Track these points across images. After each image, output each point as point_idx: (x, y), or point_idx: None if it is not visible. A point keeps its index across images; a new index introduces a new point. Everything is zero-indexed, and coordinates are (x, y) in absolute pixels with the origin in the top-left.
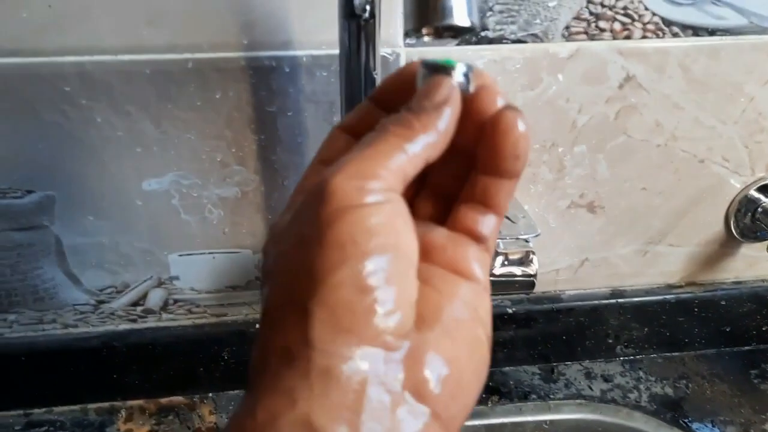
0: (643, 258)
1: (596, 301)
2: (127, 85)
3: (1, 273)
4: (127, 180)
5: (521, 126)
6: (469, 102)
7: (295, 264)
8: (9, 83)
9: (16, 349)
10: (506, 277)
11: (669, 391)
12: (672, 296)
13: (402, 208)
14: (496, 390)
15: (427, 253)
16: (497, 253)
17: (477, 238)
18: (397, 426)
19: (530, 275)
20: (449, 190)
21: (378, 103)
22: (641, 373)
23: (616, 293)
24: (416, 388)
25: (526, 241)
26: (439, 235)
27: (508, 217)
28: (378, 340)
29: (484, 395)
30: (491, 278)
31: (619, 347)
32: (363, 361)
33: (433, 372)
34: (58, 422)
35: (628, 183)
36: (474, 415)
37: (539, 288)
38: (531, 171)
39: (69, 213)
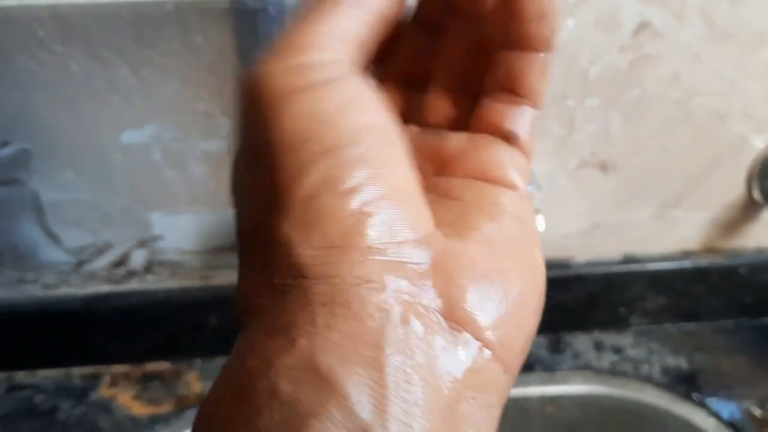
0: (658, 222)
1: (608, 268)
2: (103, 29)
3: None
4: (105, 132)
5: None
6: None
7: (254, 184)
8: None
9: None
10: None
11: (683, 363)
12: (689, 263)
13: (359, 81)
14: None
15: (442, 166)
16: None
17: (506, 136)
18: (434, 362)
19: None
20: (467, 80)
21: None
22: (654, 345)
23: (629, 260)
24: (452, 311)
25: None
26: (457, 140)
27: None
28: (386, 251)
29: None
30: None
31: (631, 317)
32: (373, 280)
33: (475, 289)
34: (40, 386)
35: (643, 141)
36: None
37: (546, 253)
38: (539, 126)
39: (46, 167)
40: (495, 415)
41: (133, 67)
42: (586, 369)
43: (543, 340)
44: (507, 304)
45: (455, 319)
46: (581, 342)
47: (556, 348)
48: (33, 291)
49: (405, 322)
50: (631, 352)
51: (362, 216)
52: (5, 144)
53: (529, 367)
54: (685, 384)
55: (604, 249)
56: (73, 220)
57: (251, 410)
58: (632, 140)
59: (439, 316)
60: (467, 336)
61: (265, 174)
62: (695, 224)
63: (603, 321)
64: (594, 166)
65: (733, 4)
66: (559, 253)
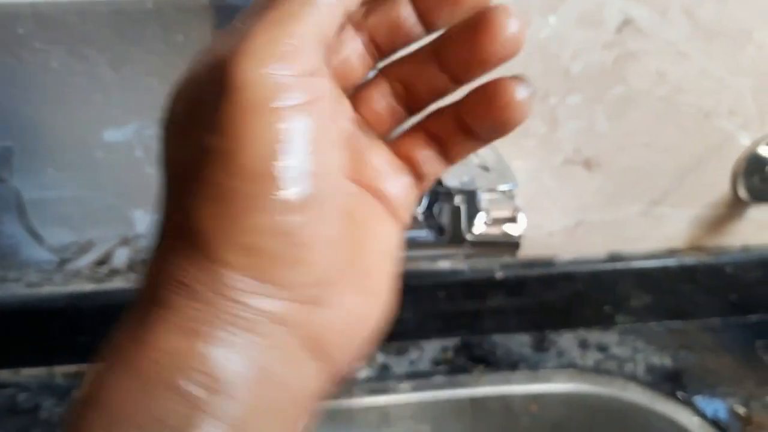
0: (644, 220)
1: (593, 266)
2: (83, 26)
3: None
4: (87, 130)
5: (520, 94)
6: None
7: (197, 172)
8: None
9: None
10: (489, 237)
11: (668, 362)
12: (674, 262)
13: (327, 107)
14: (483, 359)
15: (357, 169)
16: (478, 210)
17: (418, 175)
18: (288, 382)
19: (516, 236)
20: (414, 92)
21: None
22: (639, 343)
23: (614, 258)
24: (315, 342)
25: (512, 198)
26: (379, 157)
27: (483, 166)
28: (295, 293)
29: (469, 363)
30: (472, 239)
31: (616, 315)
32: (276, 313)
33: (335, 324)
34: (23, 384)
35: (627, 138)
36: (457, 384)
37: (531, 251)
38: (522, 124)
39: (28, 165)
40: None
41: (114, 64)
42: (571, 367)
43: (528, 339)
44: (356, 332)
45: (315, 348)
46: (566, 340)
47: (540, 346)
48: (16, 289)
49: (283, 345)
50: (616, 351)
51: (297, 262)
52: None
53: (514, 365)
54: (670, 382)
55: (589, 247)
56: (55, 218)
57: (153, 400)
58: (617, 138)
59: (303, 348)
60: (318, 364)
61: (212, 174)
62: (681, 222)
63: (588, 319)
64: (578, 163)
65: (717, 1)
66: (544, 251)
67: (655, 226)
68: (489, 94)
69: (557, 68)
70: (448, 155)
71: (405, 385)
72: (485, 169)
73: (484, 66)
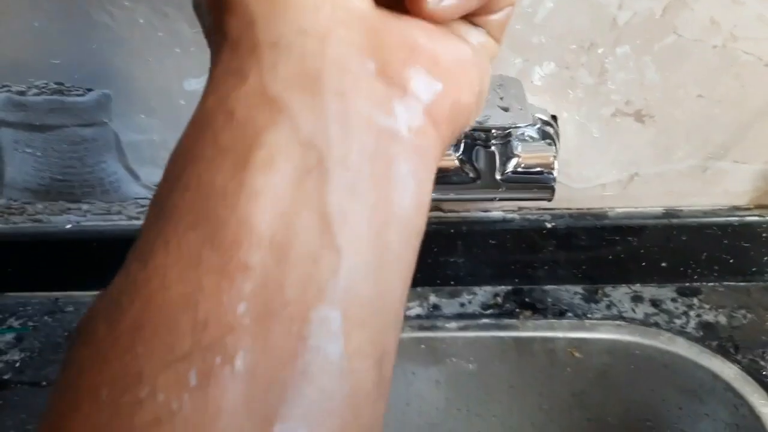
0: (703, 175)
1: (646, 221)
2: None
3: (73, 165)
4: (170, 80)
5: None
6: None
7: None
8: None
9: (89, 235)
10: (523, 179)
11: (722, 320)
12: (736, 219)
13: None
14: (531, 305)
15: None
16: (512, 155)
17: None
18: (370, 111)
19: (550, 179)
20: None
21: None
22: (695, 301)
23: (670, 213)
24: (386, 70)
25: (549, 142)
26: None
27: (501, 107)
28: (327, 7)
29: (516, 309)
30: (503, 179)
31: (672, 272)
32: (314, 32)
33: (408, 57)
34: None
35: (681, 89)
36: (501, 327)
37: (583, 204)
38: (569, 74)
39: (124, 111)
40: (425, 178)
41: (190, 21)
42: (619, 319)
43: (579, 290)
44: (438, 82)
45: (389, 79)
46: (619, 294)
47: (592, 298)
48: (118, 221)
49: (342, 68)
50: (670, 306)
51: None
52: (89, 90)
53: (561, 313)
54: (720, 339)
55: (644, 201)
56: (147, 158)
57: (213, 134)
58: (669, 89)
59: (374, 73)
60: (401, 97)
61: None
62: (744, 178)
63: (643, 274)
64: (629, 115)
65: None
66: (596, 204)
67: (713, 182)
68: None
69: (604, 18)
70: None
71: (453, 324)
72: (505, 110)
73: None
